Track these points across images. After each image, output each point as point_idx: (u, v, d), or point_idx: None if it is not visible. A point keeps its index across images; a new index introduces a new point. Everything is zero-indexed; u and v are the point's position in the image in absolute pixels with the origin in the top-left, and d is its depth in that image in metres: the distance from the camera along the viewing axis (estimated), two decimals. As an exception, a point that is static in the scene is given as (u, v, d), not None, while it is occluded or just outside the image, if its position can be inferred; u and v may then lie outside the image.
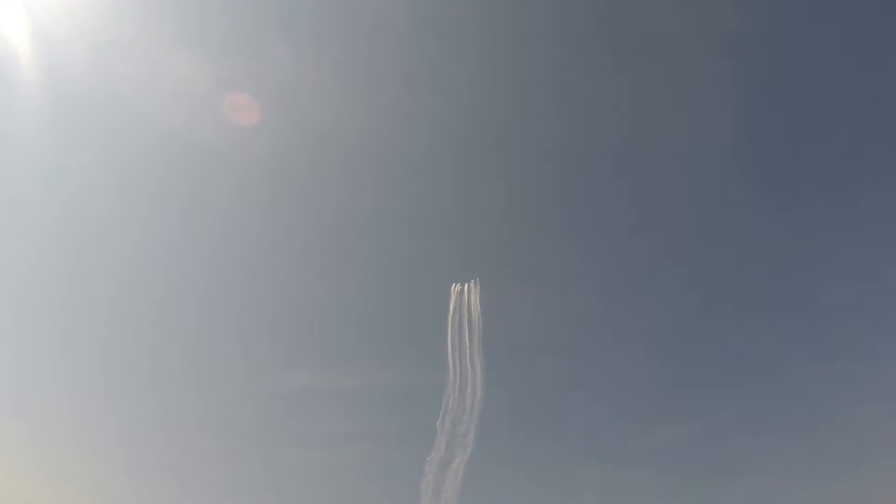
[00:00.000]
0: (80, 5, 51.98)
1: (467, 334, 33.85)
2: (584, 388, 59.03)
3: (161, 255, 64.32)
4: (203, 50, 61.89)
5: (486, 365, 35.62)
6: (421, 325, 60.37)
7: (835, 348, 56.37)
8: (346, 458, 51.94)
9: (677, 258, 64.66)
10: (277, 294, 64.69)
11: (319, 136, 64.49)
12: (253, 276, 65.80)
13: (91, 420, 51.17)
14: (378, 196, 66.72)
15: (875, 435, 49.19)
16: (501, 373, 53.27)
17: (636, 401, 58.34)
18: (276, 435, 54.57)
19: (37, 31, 50.09)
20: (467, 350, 34.08)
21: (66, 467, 45.34)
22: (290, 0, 59.02)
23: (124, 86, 57.09)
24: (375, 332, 63.71)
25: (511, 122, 63.62)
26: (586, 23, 60.00)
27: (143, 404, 54.85)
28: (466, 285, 34.05)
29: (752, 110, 63.55)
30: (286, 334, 62.98)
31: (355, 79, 61.81)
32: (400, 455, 54.10)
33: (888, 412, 49.09)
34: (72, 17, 51.27)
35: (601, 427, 56.14)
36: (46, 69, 50.68)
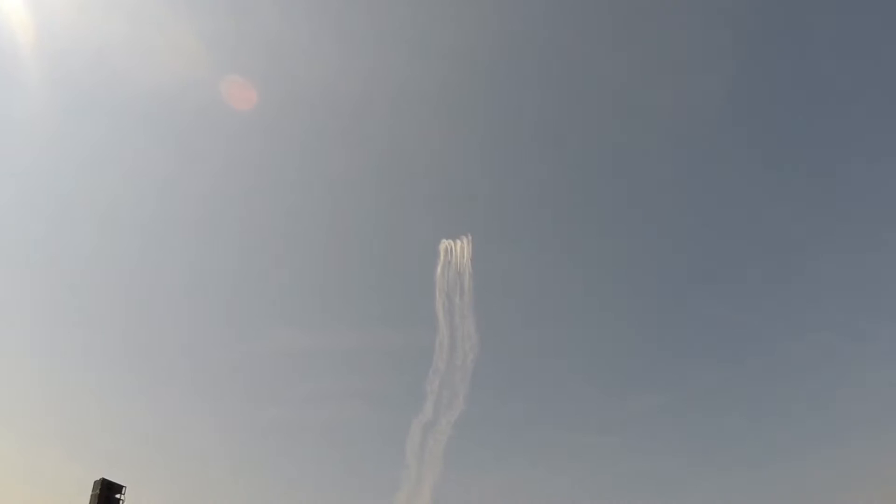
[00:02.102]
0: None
1: (458, 293, 34.14)
2: (569, 353, 59.92)
3: (152, 214, 64.85)
4: (191, 7, 60.89)
5: (477, 326, 35.96)
6: (408, 282, 61.15)
7: (819, 322, 57.47)
8: (331, 417, 53.61)
9: (666, 231, 64.76)
10: (264, 255, 65.70)
11: (310, 94, 64.14)
12: (240, 236, 66.38)
13: (81, 378, 52.64)
14: (366, 153, 66.59)
15: (855, 410, 50.48)
16: (490, 335, 54.04)
17: (619, 367, 59.38)
18: (262, 394, 56.24)
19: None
20: (458, 310, 34.44)
21: (53, 424, 46.88)
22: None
23: (112, 43, 56.78)
24: (361, 290, 64.49)
25: (507, 84, 63.02)
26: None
27: (132, 365, 56.14)
28: (458, 242, 33.98)
29: (748, 89, 62.80)
30: (272, 295, 64.21)
31: (347, 36, 60.99)
32: (386, 414, 55.56)
33: (869, 388, 50.32)
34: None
35: (584, 392, 57.27)
36: (36, 26, 50.52)
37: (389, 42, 62.64)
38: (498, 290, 57.81)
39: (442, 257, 33.23)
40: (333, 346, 54.32)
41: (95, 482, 24.01)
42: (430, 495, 35.52)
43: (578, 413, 55.12)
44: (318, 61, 59.29)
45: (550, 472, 48.23)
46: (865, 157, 60.58)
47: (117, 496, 24.57)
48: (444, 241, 33.69)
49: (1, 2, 50.19)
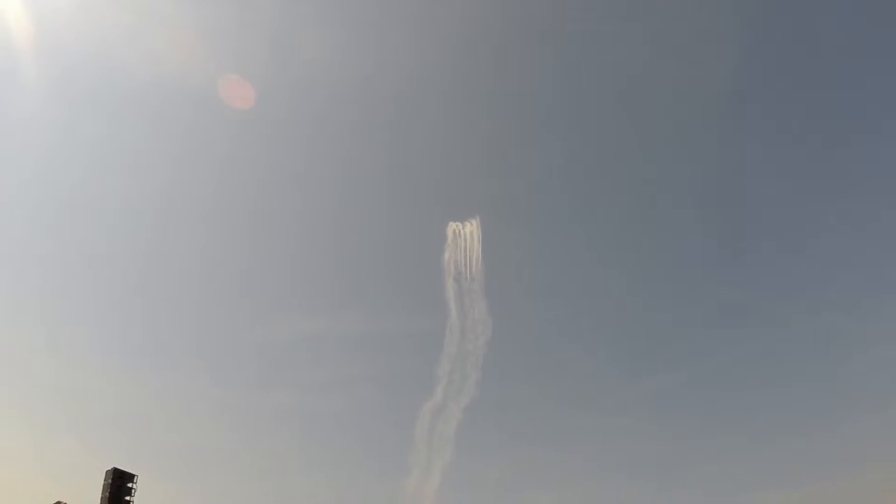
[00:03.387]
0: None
1: (467, 277, 33.34)
2: (580, 333, 59.49)
3: (157, 202, 64.20)
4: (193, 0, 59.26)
5: (489, 309, 35.26)
6: (418, 266, 60.64)
7: (829, 301, 56.78)
8: (341, 403, 53.46)
9: (677, 207, 63.68)
10: (271, 240, 64.99)
11: (309, 78, 62.82)
12: (246, 221, 65.75)
13: (93, 365, 52.47)
14: (369, 134, 65.50)
15: (863, 389, 50.03)
16: (501, 317, 53.41)
17: (629, 347, 58.95)
18: (271, 380, 55.85)
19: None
20: (468, 293, 33.70)
21: (66, 414, 46.75)
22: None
23: (112, 37, 55.61)
24: (371, 276, 63.92)
25: (512, 62, 61.47)
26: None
27: (144, 352, 55.90)
28: (467, 225, 33.12)
29: (753, 55, 61.13)
30: (280, 280, 63.72)
31: (347, 20, 59.37)
32: (397, 399, 55.41)
33: (877, 366, 49.81)
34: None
35: (594, 373, 56.97)
36: (34, 22, 49.30)
37: (395, 27, 61.12)
38: (508, 272, 57.33)
39: (450, 240, 32.43)
40: (343, 331, 53.98)
41: (107, 472, 23.87)
42: (439, 478, 35.38)
43: (589, 394, 55.01)
44: (325, 49, 58.08)
45: (561, 453, 48.21)
46: (877, 133, 59.30)
47: (129, 485, 24.45)
48: (451, 224, 32.81)
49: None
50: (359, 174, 63.46)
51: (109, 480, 24.01)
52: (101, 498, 23.82)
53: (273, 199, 64.72)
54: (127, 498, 24.80)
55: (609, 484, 47.84)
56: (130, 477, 24.58)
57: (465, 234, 32.29)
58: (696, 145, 64.59)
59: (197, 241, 64.10)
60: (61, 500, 22.34)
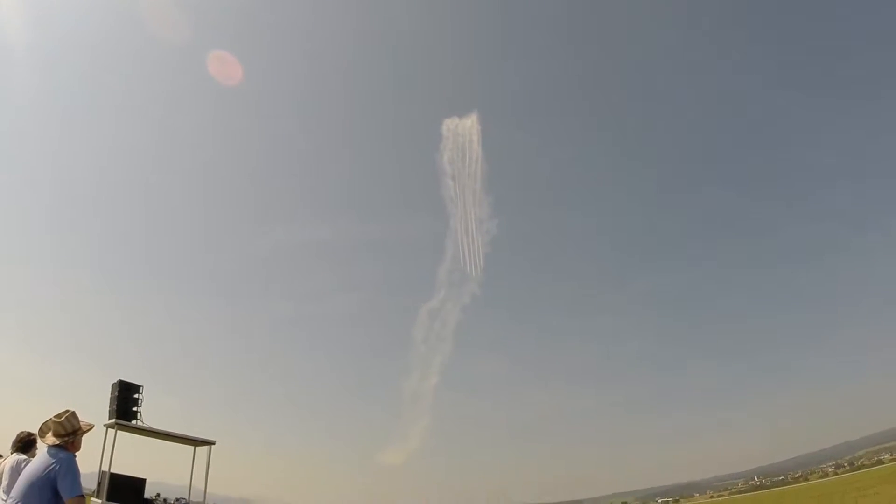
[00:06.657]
0: None
1: (466, 177, 30.15)
2: (579, 235, 59.15)
3: (158, 111, 56.68)
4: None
5: (491, 208, 32.80)
6: (416, 167, 57.36)
7: (825, 211, 58.00)
8: (337, 310, 52.39)
9: (677, 116, 61.29)
10: (260, 148, 59.42)
11: None
12: (236, 129, 59.29)
13: (96, 282, 48.71)
14: (358, 22, 58.02)
15: (855, 297, 52.79)
16: (503, 217, 51.74)
17: (626, 251, 59.72)
18: (270, 289, 54.21)
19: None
20: (468, 193, 30.78)
21: (67, 335, 43.96)
22: None
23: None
24: (363, 178, 60.32)
25: None
26: None
27: (142, 268, 52.10)
28: (465, 120, 29.26)
29: None
30: (274, 188, 59.32)
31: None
32: (399, 301, 54.91)
33: (873, 278, 52.21)
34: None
35: (591, 275, 57.69)
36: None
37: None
38: (510, 171, 55.07)
39: (447, 138, 28.63)
40: (343, 237, 51.46)
41: (113, 385, 22.17)
42: (437, 377, 35.12)
43: (585, 296, 55.92)
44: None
45: (557, 353, 49.49)
46: (881, 46, 57.27)
47: (136, 395, 23.06)
48: (447, 120, 28.74)
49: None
50: (354, 75, 57.18)
51: (116, 393, 22.44)
52: (110, 410, 22.37)
53: (257, 104, 58.19)
54: (134, 409, 23.48)
55: (602, 383, 50.01)
56: (136, 388, 22.94)
57: (464, 130, 28.47)
58: (696, 57, 60.82)
59: (203, 152, 57.87)
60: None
